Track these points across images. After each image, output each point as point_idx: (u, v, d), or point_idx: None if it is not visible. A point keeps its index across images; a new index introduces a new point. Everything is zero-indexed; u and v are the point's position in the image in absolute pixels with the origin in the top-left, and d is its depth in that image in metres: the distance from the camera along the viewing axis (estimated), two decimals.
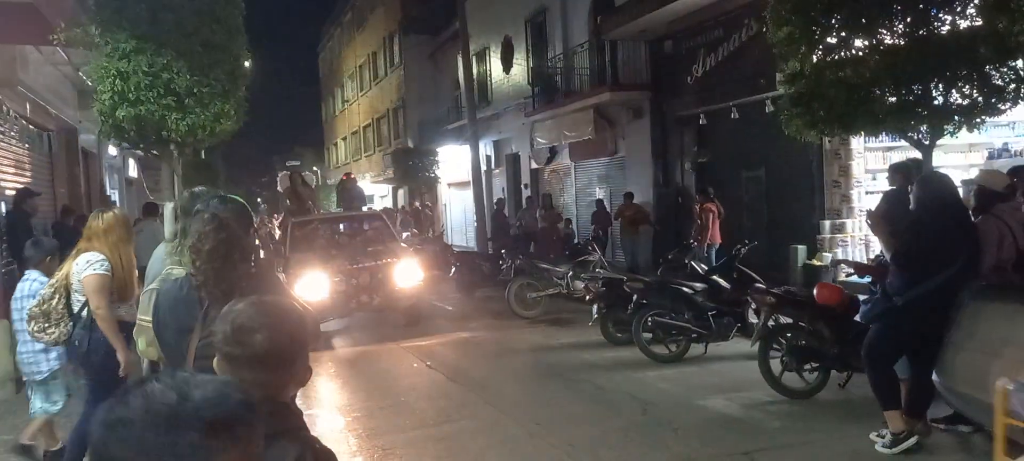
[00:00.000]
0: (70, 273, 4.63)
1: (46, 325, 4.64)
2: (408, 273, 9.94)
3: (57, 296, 4.64)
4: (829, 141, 10.58)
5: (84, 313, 4.62)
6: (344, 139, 43.48)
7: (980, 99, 7.12)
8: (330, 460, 1.81)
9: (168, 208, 10.16)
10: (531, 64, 19.92)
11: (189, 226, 3.24)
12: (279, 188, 15.29)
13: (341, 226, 11.86)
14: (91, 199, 14.98)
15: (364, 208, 14.39)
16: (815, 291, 6.00)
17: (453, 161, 24.95)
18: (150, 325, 3.31)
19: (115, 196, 18.94)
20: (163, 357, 3.25)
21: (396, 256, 10.10)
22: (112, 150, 17.22)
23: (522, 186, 21.70)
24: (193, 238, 2.60)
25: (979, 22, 7.08)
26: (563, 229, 16.55)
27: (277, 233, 12.72)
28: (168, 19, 8.44)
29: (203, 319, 2.48)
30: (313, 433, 1.81)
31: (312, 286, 9.13)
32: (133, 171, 21.32)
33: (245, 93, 9.92)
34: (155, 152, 9.81)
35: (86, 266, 4.56)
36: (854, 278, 7.08)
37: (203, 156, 18.93)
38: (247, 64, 9.93)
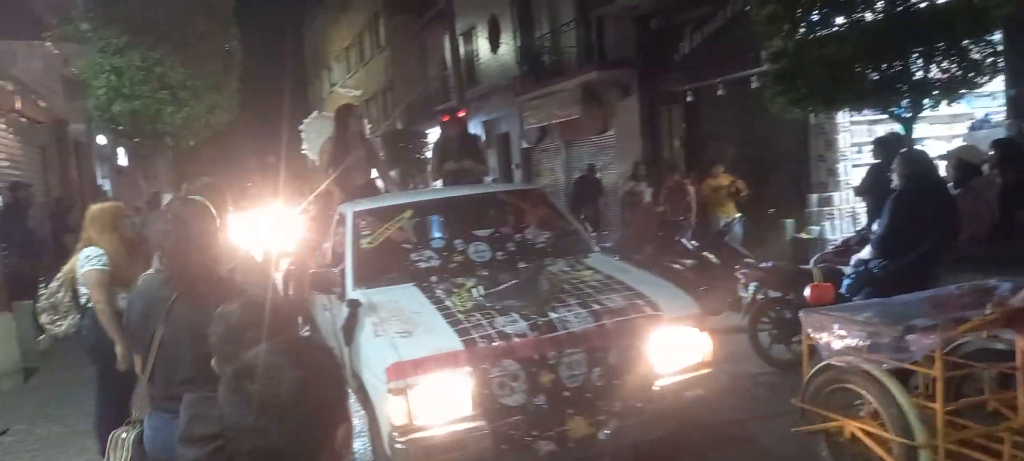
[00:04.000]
0: (75, 267, 4.76)
1: (55, 317, 4.78)
2: (680, 344, 4.13)
3: (63, 289, 4.77)
4: (814, 116, 10.75)
5: (90, 305, 4.75)
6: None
7: (958, 73, 7.32)
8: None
9: (166, 200, 10.20)
10: (518, 43, 19.94)
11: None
12: (306, 149, 8.01)
13: (468, 221, 5.47)
14: (83, 189, 15.00)
15: (488, 177, 7.88)
16: (807, 293, 5.50)
17: None
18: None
19: (107, 185, 18.95)
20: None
21: (639, 296, 4.22)
22: (102, 139, 17.20)
23: (513, 166, 21.79)
24: (156, 236, 2.83)
25: None
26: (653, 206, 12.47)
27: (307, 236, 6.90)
28: (160, 12, 8.46)
29: (167, 314, 2.67)
30: None
31: (431, 397, 3.65)
32: (123, 159, 21.30)
33: (238, 84, 9.93)
34: (148, 144, 9.87)
35: (85, 261, 4.68)
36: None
37: (193, 145, 18.95)
38: (237, 52, 9.94)
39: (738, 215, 11.17)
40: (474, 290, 4.23)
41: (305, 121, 7.85)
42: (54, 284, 4.79)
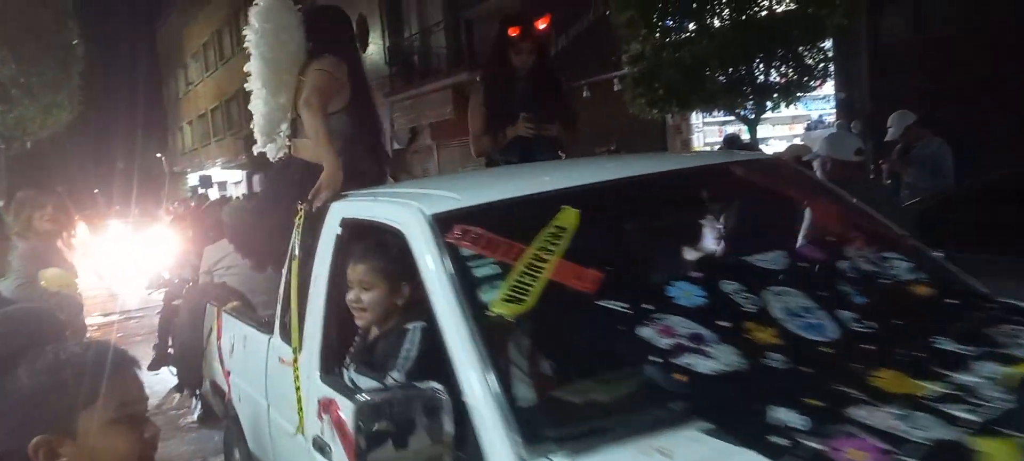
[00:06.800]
0: None
1: None
2: None
3: None
4: (671, 117, 11.36)
5: None
6: (190, 123, 41.09)
7: (795, 77, 7.99)
8: None
9: None
10: (387, 43, 19.75)
11: None
12: (250, 50, 3.50)
13: (699, 233, 2.65)
14: None
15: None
16: None
17: None
18: None
19: None
20: None
21: None
22: None
23: (385, 168, 21.51)
24: None
25: (793, 7, 7.91)
26: None
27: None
28: None
29: None
30: None
31: None
32: None
33: (79, 81, 9.19)
34: None
35: None
36: None
37: (28, 147, 17.39)
38: (78, 48, 9.18)
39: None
40: None
41: (258, 3, 3.58)
42: None
